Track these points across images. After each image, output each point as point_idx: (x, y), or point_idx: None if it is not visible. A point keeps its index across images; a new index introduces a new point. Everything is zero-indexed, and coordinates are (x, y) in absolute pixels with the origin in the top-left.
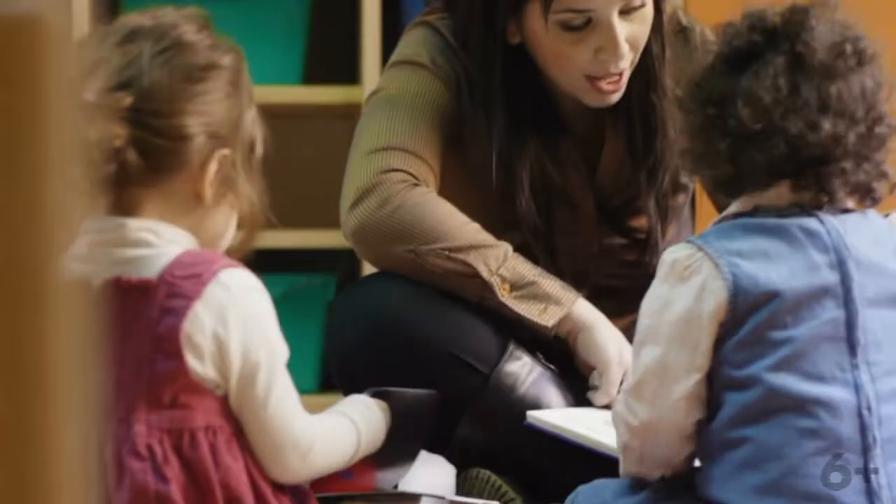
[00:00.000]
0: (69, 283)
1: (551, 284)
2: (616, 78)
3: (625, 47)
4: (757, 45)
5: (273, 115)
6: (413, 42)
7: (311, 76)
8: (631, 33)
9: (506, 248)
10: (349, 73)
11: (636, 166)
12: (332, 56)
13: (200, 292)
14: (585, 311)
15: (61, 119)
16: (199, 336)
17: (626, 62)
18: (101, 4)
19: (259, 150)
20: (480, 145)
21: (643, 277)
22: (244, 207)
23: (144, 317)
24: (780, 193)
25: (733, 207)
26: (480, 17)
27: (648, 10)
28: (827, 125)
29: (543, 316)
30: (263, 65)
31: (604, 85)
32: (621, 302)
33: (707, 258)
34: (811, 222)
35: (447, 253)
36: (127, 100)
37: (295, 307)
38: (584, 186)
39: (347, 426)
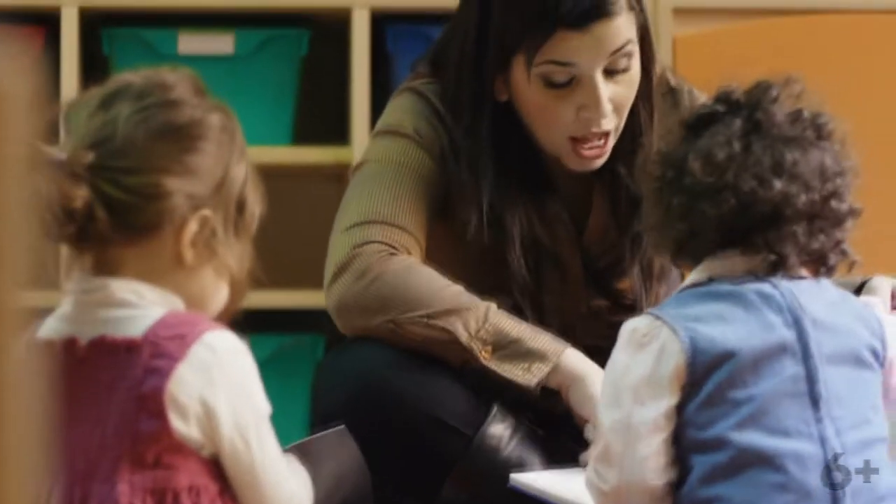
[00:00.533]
0: (20, 343)
1: (537, 340)
2: (599, 142)
3: (608, 106)
4: (717, 112)
5: (262, 175)
6: (398, 110)
7: (301, 137)
8: (615, 95)
9: (487, 307)
10: (339, 133)
11: (621, 231)
12: (321, 117)
13: (185, 353)
14: (575, 361)
15: (13, 181)
16: (183, 397)
17: (610, 123)
18: (92, 67)
19: (254, 210)
20: (468, 209)
21: None
22: (228, 272)
23: (128, 376)
24: (733, 262)
25: (689, 279)
26: (469, 73)
27: (634, 74)
28: (778, 184)
29: (527, 375)
30: (253, 125)
31: (586, 150)
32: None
33: (664, 325)
34: (765, 287)
35: (426, 320)
36: (88, 157)
37: (283, 367)
38: (571, 247)
39: (308, 482)
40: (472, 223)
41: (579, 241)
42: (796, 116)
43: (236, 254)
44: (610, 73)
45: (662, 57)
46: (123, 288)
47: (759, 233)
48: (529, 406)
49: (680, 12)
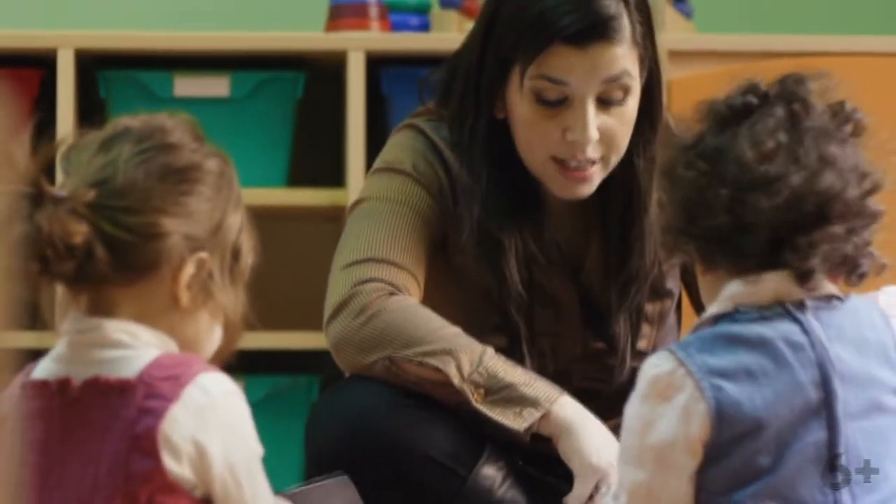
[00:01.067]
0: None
1: (531, 386)
2: (583, 170)
3: (593, 133)
4: (751, 104)
5: (258, 217)
6: (397, 147)
7: (297, 179)
8: (605, 126)
9: (482, 350)
10: (334, 175)
11: (608, 276)
12: (317, 159)
13: (179, 394)
14: (568, 410)
15: None
16: (176, 437)
17: (595, 151)
18: (89, 109)
19: (248, 260)
20: (465, 247)
21: (626, 383)
22: (223, 316)
23: (122, 416)
24: (759, 287)
25: (713, 309)
26: (471, 86)
27: (629, 111)
28: (828, 178)
29: (518, 420)
30: (249, 167)
31: (569, 172)
32: (604, 406)
33: (689, 376)
34: (794, 332)
35: (420, 359)
36: (89, 195)
37: (279, 408)
38: (567, 286)
39: None
40: (466, 266)
41: (577, 280)
42: (837, 109)
43: (231, 298)
44: (604, 102)
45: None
46: (118, 328)
47: (804, 232)
48: (522, 447)
49: (675, 55)
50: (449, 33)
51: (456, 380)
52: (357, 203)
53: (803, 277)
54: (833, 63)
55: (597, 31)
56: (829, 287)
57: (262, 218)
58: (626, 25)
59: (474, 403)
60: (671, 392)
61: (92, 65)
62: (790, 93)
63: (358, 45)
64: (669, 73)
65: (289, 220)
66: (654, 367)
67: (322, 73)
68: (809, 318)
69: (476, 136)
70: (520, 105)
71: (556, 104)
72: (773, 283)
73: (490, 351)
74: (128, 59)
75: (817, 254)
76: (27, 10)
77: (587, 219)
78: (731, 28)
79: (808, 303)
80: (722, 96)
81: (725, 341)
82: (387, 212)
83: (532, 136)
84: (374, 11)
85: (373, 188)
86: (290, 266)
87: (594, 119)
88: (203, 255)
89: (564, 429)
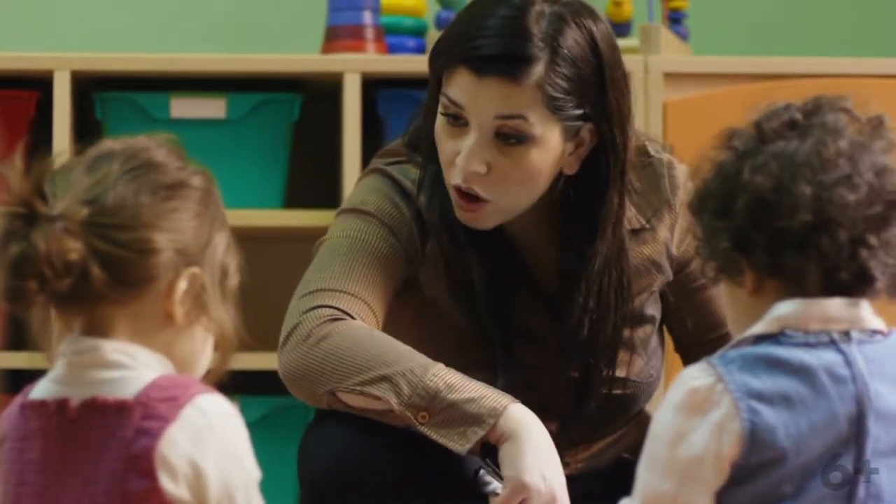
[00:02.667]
0: None
1: (476, 402)
2: (472, 202)
3: (473, 164)
4: (796, 118)
5: (254, 238)
6: (363, 190)
7: (293, 200)
8: (496, 163)
9: (425, 368)
10: (330, 197)
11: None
12: (313, 180)
13: (176, 415)
14: (513, 418)
15: None
16: (173, 458)
17: (480, 186)
18: (85, 131)
19: (234, 278)
20: (434, 284)
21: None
22: (216, 330)
23: (119, 437)
24: (809, 309)
25: (758, 328)
26: (428, 113)
27: (528, 157)
28: (893, 178)
29: (461, 440)
30: (245, 188)
31: (460, 201)
32: (591, 430)
33: (727, 394)
34: (838, 364)
35: (359, 388)
36: (83, 212)
37: (275, 429)
38: (544, 321)
39: None
40: (437, 302)
41: (555, 313)
42: (877, 123)
43: (223, 313)
44: (500, 137)
45: (653, 121)
46: (115, 349)
47: (875, 232)
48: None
49: (670, 77)
50: None
51: (396, 405)
52: (321, 242)
53: (867, 282)
54: (830, 85)
55: (499, 64)
56: (876, 321)
57: (258, 239)
58: (536, 72)
59: (418, 427)
60: (708, 406)
61: (88, 86)
62: (832, 105)
63: (354, 67)
64: (665, 95)
65: (285, 241)
66: (693, 378)
67: (318, 94)
68: (854, 351)
69: (432, 158)
70: (438, 117)
71: (458, 125)
72: (826, 309)
73: (436, 367)
74: (124, 81)
75: (883, 257)
76: (23, 32)
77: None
78: (727, 50)
79: (854, 335)
80: (756, 118)
81: (767, 363)
82: (345, 247)
83: (440, 152)
84: (370, 33)
85: (336, 228)
86: (285, 287)
87: (478, 150)
88: (195, 269)
89: (508, 436)
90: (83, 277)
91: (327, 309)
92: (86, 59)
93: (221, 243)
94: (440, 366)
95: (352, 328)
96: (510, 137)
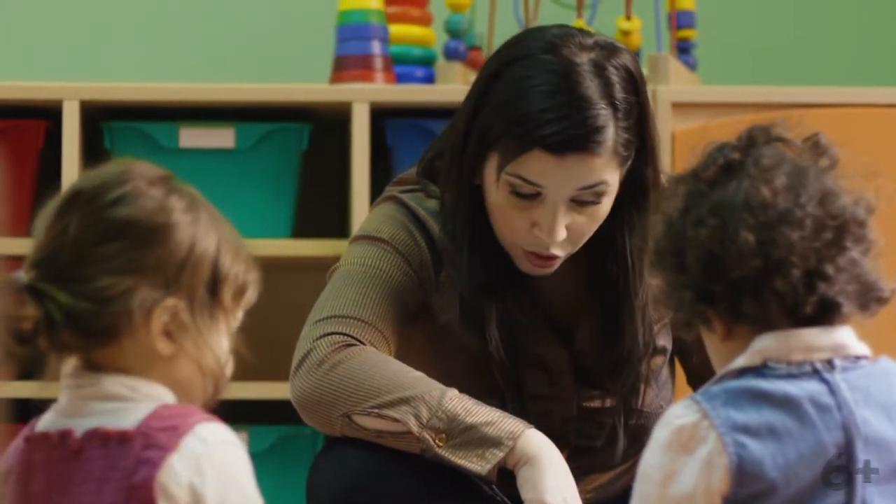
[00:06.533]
0: None
1: (494, 425)
2: (548, 258)
3: (561, 234)
4: (734, 159)
5: (262, 267)
6: (377, 218)
7: (301, 229)
8: (575, 224)
9: (442, 392)
10: (339, 227)
11: (602, 355)
12: (321, 210)
13: (177, 444)
14: (532, 442)
15: None
16: (173, 486)
17: (560, 249)
18: (94, 160)
19: (238, 279)
20: (448, 311)
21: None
22: (206, 356)
23: (120, 467)
24: (789, 340)
25: (741, 361)
26: (455, 152)
27: (602, 209)
28: (840, 202)
29: (481, 462)
30: (253, 218)
31: (534, 260)
32: (601, 459)
33: (713, 430)
34: (821, 393)
35: (377, 411)
36: (31, 275)
37: (284, 458)
38: (558, 353)
39: None
40: (451, 330)
41: (569, 344)
42: (814, 142)
43: (213, 335)
44: (577, 203)
45: (661, 151)
46: (117, 383)
47: (829, 260)
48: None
49: (678, 106)
50: (454, 85)
51: (415, 428)
52: (335, 269)
53: (833, 310)
54: (838, 114)
55: (578, 142)
56: (860, 347)
57: (266, 268)
58: (609, 137)
59: (436, 450)
60: (694, 444)
61: (97, 116)
62: (765, 136)
63: (363, 96)
64: (673, 124)
65: (293, 270)
66: (678, 417)
67: (327, 124)
68: (837, 379)
69: (459, 204)
70: (494, 192)
71: (529, 197)
72: (805, 339)
73: (451, 392)
74: (133, 111)
75: (843, 282)
76: (32, 62)
77: (578, 283)
78: (736, 80)
79: (837, 363)
80: (694, 166)
81: (751, 396)
82: (359, 275)
83: (502, 223)
84: (378, 63)
85: (350, 255)
86: (294, 316)
87: (563, 220)
88: (170, 301)
89: (526, 460)
90: (54, 335)
91: (340, 336)
92: (95, 89)
93: (208, 249)
94: (454, 391)
95: (365, 354)
96: (588, 199)
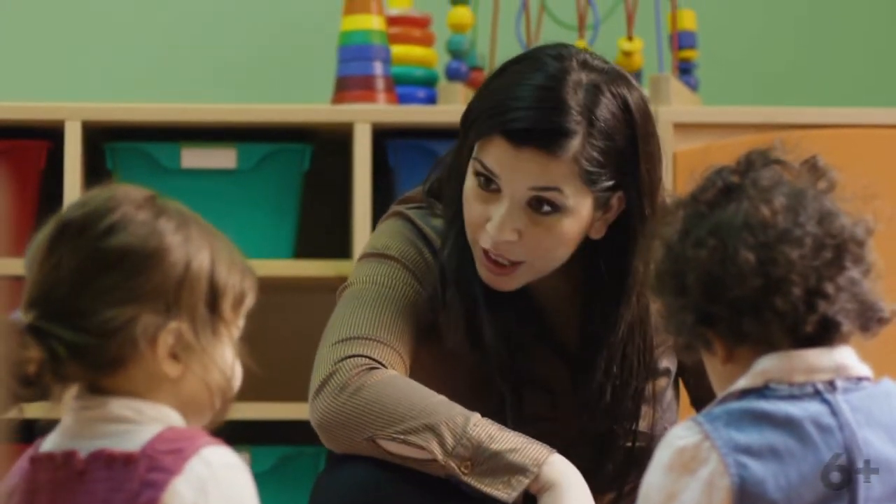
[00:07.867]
0: None
1: (519, 451)
2: (501, 265)
3: (506, 233)
4: (732, 182)
5: (264, 288)
6: (385, 234)
7: (303, 250)
8: (530, 232)
9: (465, 418)
10: (341, 247)
11: (604, 378)
12: (323, 230)
13: (181, 467)
14: (556, 469)
15: None
16: None
17: (511, 252)
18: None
19: (236, 288)
20: (454, 330)
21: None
22: (213, 373)
23: (125, 489)
24: (791, 361)
25: (742, 382)
26: (454, 169)
27: (563, 226)
28: (839, 221)
29: (507, 489)
30: (255, 238)
31: (488, 263)
32: (603, 481)
33: (714, 450)
34: (823, 414)
35: (402, 437)
36: (31, 316)
37: (286, 479)
38: (560, 374)
39: None
40: (456, 350)
41: (571, 365)
42: (812, 164)
43: (217, 349)
44: (533, 206)
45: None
46: (122, 406)
47: (829, 279)
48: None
49: (680, 127)
50: (456, 105)
51: (440, 456)
52: (346, 287)
53: (833, 329)
54: (839, 135)
55: (537, 137)
56: (861, 368)
57: (268, 289)
58: (573, 146)
59: (462, 477)
60: (696, 465)
61: (99, 137)
62: (764, 159)
63: (364, 117)
64: (674, 145)
65: (295, 291)
66: (680, 438)
67: (329, 145)
68: (839, 400)
69: (457, 217)
70: (468, 179)
71: (491, 192)
72: (807, 360)
73: (475, 417)
74: (135, 131)
75: (843, 301)
76: (34, 83)
77: (577, 305)
78: (737, 101)
79: (839, 383)
80: (693, 189)
81: (753, 418)
82: (373, 294)
83: (466, 216)
84: (380, 84)
85: (360, 273)
86: (296, 337)
87: (513, 220)
88: (173, 324)
89: (549, 486)
90: (59, 370)
91: (360, 359)
92: (97, 110)
93: (202, 265)
94: (478, 416)
95: (389, 378)
96: (543, 206)
